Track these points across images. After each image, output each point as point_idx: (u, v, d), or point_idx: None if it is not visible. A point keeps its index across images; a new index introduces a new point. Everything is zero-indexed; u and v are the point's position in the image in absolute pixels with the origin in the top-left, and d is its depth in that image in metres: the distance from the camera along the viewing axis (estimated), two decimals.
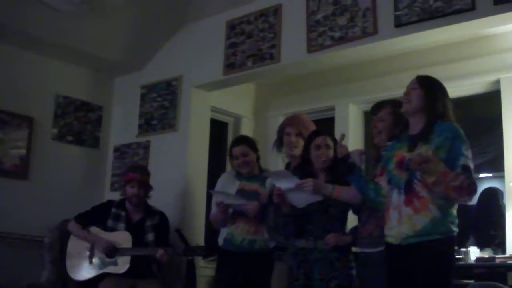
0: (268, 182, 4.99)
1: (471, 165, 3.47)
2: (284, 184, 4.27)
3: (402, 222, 3.54)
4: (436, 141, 3.50)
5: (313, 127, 4.94)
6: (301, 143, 4.77)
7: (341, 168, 4.06)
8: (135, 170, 5.79)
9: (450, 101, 3.77)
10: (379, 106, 4.28)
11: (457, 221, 3.54)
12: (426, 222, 3.45)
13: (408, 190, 3.55)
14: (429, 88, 3.72)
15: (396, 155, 3.68)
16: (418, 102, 3.68)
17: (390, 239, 3.64)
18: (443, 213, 3.46)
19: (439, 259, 3.44)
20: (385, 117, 4.17)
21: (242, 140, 5.24)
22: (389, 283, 3.66)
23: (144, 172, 5.81)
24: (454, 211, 3.55)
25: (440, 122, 3.60)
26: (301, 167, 4.46)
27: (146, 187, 5.70)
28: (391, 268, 3.64)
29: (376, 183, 3.85)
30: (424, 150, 3.48)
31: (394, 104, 4.21)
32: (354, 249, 4.35)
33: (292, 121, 5.04)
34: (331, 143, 4.39)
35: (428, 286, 3.42)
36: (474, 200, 5.97)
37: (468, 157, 3.47)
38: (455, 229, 3.51)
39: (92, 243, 5.52)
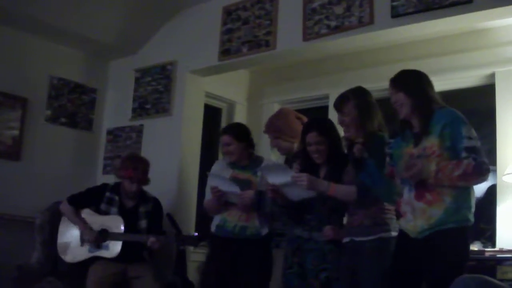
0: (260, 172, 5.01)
1: (477, 144, 3.43)
2: (278, 178, 4.27)
3: (416, 216, 3.54)
4: (436, 129, 3.51)
5: (289, 121, 5.00)
6: (282, 143, 5.01)
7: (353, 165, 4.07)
8: (137, 168, 5.62)
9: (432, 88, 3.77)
10: (341, 101, 4.21)
11: (473, 208, 3.52)
12: (440, 213, 3.45)
13: (419, 185, 3.53)
14: (408, 86, 3.71)
15: (405, 153, 3.67)
16: (406, 106, 3.67)
17: (406, 231, 3.64)
18: (458, 202, 3.45)
19: (452, 248, 3.45)
20: (350, 111, 4.12)
21: (227, 129, 5.21)
22: (399, 271, 3.67)
23: (146, 170, 5.70)
24: (471, 199, 3.52)
25: (438, 110, 3.61)
26: (302, 160, 4.44)
27: (145, 182, 5.67)
28: (403, 256, 3.65)
29: (391, 180, 3.83)
30: (429, 143, 3.48)
31: (356, 94, 4.20)
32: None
33: (266, 128, 5.16)
34: (321, 137, 4.32)
35: (440, 275, 3.43)
36: (479, 192, 6.00)
37: (471, 137, 3.44)
38: (471, 218, 3.49)
39: (81, 230, 5.53)
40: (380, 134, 4.04)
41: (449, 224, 3.43)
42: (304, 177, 4.10)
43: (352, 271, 4.06)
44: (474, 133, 3.48)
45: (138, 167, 5.62)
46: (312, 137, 4.32)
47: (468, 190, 3.52)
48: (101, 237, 5.42)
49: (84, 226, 5.50)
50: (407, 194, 3.63)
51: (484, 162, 3.40)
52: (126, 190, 5.60)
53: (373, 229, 3.94)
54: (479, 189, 6.13)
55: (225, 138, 5.08)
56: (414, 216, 3.56)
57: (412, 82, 3.73)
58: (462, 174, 3.34)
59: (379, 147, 3.94)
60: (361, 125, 4.08)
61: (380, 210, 3.99)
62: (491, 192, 5.99)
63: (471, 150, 3.40)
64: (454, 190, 3.45)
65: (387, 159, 3.82)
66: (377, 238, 3.94)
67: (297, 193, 4.23)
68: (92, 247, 5.45)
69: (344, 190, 4.09)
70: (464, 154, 3.40)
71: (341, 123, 4.18)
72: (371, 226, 3.96)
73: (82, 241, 5.51)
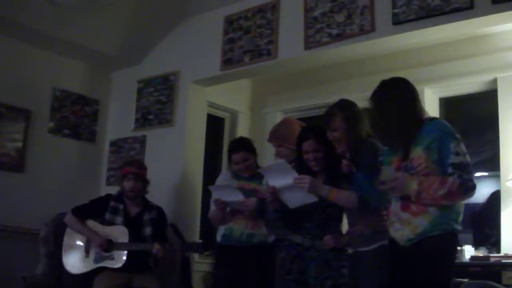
0: (265, 179, 5.01)
1: (464, 160, 3.39)
2: (280, 180, 4.24)
3: (403, 226, 3.53)
4: (425, 141, 3.48)
5: (293, 130, 5.00)
6: (285, 151, 4.92)
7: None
8: (131, 164, 5.79)
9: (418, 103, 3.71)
10: (329, 118, 4.19)
11: (460, 217, 3.49)
12: (426, 224, 3.43)
13: (404, 196, 3.52)
14: (383, 104, 3.69)
15: (393, 162, 3.67)
16: (392, 117, 3.64)
17: (396, 240, 3.63)
18: (443, 213, 3.42)
19: (439, 255, 3.43)
20: (339, 125, 4.11)
21: (241, 145, 5.20)
22: (391, 278, 3.66)
23: (140, 165, 5.82)
24: (459, 208, 3.49)
25: (428, 122, 3.57)
26: (299, 167, 4.43)
27: (143, 180, 5.70)
28: (394, 264, 3.64)
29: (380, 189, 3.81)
30: (416, 155, 3.48)
31: (342, 108, 4.20)
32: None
33: (270, 136, 5.14)
34: (319, 145, 4.27)
35: (428, 281, 3.41)
36: (482, 198, 5.99)
37: (459, 153, 3.39)
38: (457, 226, 3.46)
39: (87, 238, 5.53)
40: (371, 141, 4.02)
41: (435, 231, 3.42)
42: (306, 179, 4.09)
43: (355, 280, 4.07)
44: (463, 148, 3.43)
45: (132, 164, 5.78)
46: (309, 145, 4.29)
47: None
48: (106, 247, 5.43)
49: (91, 232, 5.51)
50: (394, 204, 3.63)
51: (470, 179, 3.35)
52: (126, 191, 5.64)
53: (373, 238, 3.94)
54: (482, 195, 6.14)
55: (241, 156, 5.09)
56: (401, 226, 3.55)
57: (392, 98, 3.69)
58: (446, 193, 3.32)
59: (370, 154, 3.94)
60: (352, 137, 4.08)
61: (379, 217, 3.98)
62: (495, 198, 5.99)
63: (458, 166, 3.36)
64: None
65: (380, 165, 3.80)
66: (378, 247, 3.94)
67: (297, 199, 4.21)
68: (99, 254, 5.44)
69: (345, 196, 4.08)
70: (450, 170, 3.37)
71: (332, 139, 4.16)
72: (371, 235, 3.95)
73: (87, 251, 5.51)
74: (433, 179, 3.38)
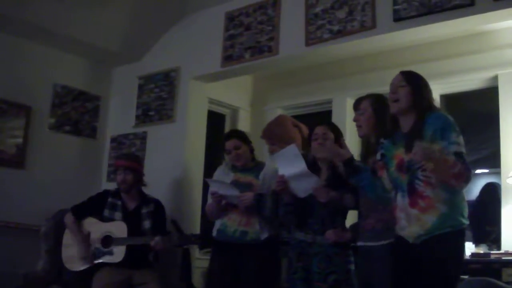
0: (262, 174, 5.02)
1: (464, 151, 3.43)
2: (289, 168, 4.29)
3: (411, 223, 3.52)
4: (428, 133, 3.48)
5: (286, 128, 5.04)
6: (278, 150, 4.90)
7: (346, 170, 4.03)
8: (121, 157, 5.87)
9: (432, 94, 3.77)
10: (359, 100, 4.27)
11: (466, 212, 3.52)
12: (434, 219, 3.43)
13: (411, 191, 3.53)
14: (416, 84, 3.69)
15: (395, 157, 3.67)
16: (407, 100, 3.65)
17: (404, 236, 3.63)
18: (450, 208, 3.44)
19: (449, 251, 3.43)
20: (365, 109, 4.16)
21: (233, 134, 5.30)
22: (398, 276, 3.66)
23: (129, 157, 5.85)
24: (463, 202, 3.52)
25: (428, 114, 3.59)
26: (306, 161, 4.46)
27: (134, 172, 5.69)
28: (402, 261, 3.64)
29: (380, 179, 3.83)
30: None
31: (374, 96, 4.24)
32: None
33: (264, 134, 5.21)
34: (330, 134, 4.37)
35: (438, 278, 3.41)
36: (474, 195, 6.00)
37: (460, 144, 3.43)
38: (465, 221, 3.49)
39: (77, 243, 5.53)
40: None
41: (445, 228, 3.43)
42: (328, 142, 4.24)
43: (365, 276, 4.07)
44: (462, 139, 3.47)
45: (121, 157, 5.88)
46: (320, 129, 4.40)
47: (460, 196, 3.53)
48: (104, 243, 5.44)
49: (80, 244, 5.51)
50: (401, 201, 3.61)
51: (470, 169, 3.40)
52: (118, 184, 5.65)
53: (384, 234, 3.90)
54: (474, 190, 6.15)
55: (234, 142, 5.12)
56: (408, 223, 3.55)
57: (421, 82, 3.73)
58: (457, 173, 3.34)
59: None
60: (373, 125, 4.11)
61: (393, 214, 3.97)
62: (488, 190, 6.01)
63: (460, 156, 3.39)
64: (446, 196, 3.45)
65: (378, 157, 3.81)
66: (388, 244, 3.90)
67: (305, 187, 4.24)
68: (99, 249, 5.45)
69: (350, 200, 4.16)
70: (454, 159, 3.40)
71: (356, 121, 4.22)
72: (383, 231, 3.92)
73: None
74: (448, 158, 3.36)
